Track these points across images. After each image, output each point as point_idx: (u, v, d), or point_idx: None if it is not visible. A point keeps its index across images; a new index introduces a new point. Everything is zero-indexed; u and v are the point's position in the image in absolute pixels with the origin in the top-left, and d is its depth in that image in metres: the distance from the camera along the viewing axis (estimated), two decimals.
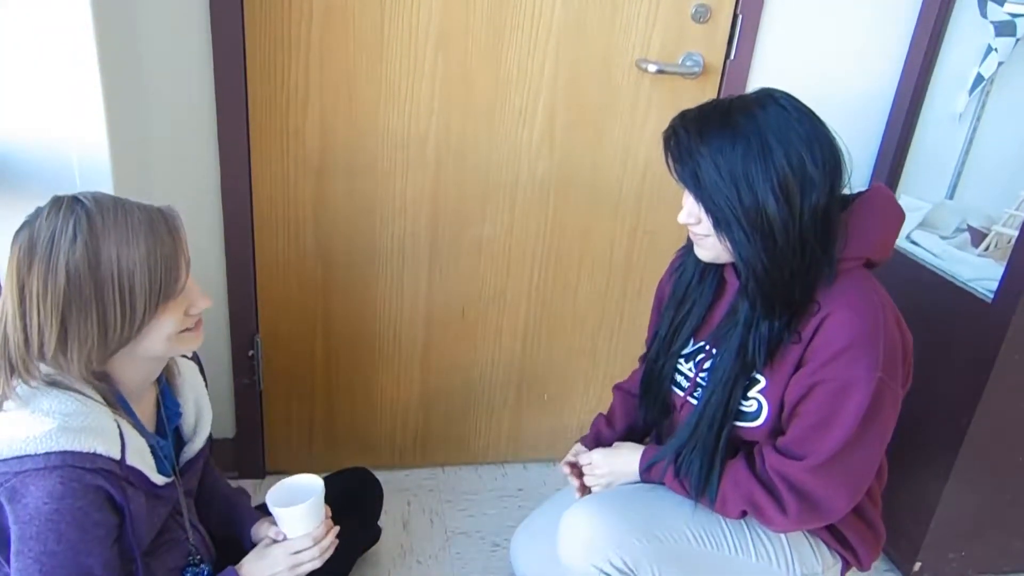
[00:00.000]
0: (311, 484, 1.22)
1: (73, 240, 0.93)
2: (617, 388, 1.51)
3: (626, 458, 1.30)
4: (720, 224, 1.09)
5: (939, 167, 1.92)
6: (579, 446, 1.45)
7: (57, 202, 0.96)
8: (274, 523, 1.21)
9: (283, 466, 1.95)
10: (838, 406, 1.08)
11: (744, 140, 1.05)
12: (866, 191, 1.17)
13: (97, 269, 0.94)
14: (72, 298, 0.93)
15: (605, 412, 1.51)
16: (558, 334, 1.97)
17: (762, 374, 1.16)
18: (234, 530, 1.30)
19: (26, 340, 0.94)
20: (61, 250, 0.92)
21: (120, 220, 0.95)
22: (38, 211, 0.96)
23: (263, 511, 1.33)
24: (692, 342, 1.29)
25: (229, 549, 1.26)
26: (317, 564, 1.18)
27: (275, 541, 1.20)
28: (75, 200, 0.96)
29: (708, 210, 1.10)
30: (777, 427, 1.16)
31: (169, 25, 1.49)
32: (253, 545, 1.24)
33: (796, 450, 1.12)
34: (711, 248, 1.15)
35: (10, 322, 0.95)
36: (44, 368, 0.98)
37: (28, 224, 0.95)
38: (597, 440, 1.45)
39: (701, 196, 1.09)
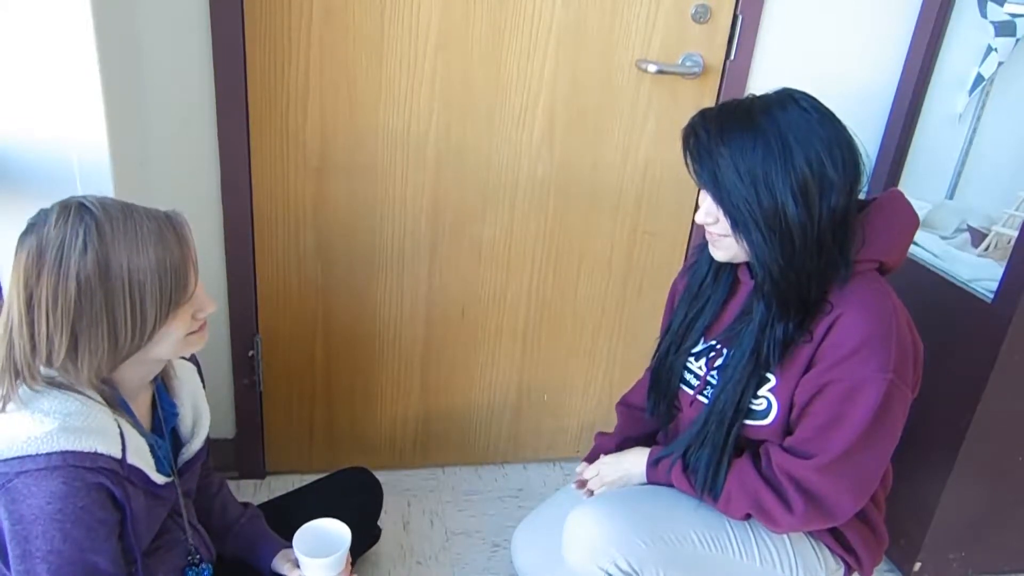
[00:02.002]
0: (338, 532, 1.24)
1: (84, 250, 0.92)
2: (619, 404, 1.51)
3: (634, 459, 1.31)
4: (738, 225, 1.09)
5: (939, 167, 1.92)
6: (583, 464, 1.43)
7: (65, 209, 0.95)
8: (294, 557, 1.23)
9: (283, 466, 1.95)
10: (848, 406, 1.08)
11: (764, 141, 1.05)
12: (882, 195, 1.17)
13: (107, 279, 0.93)
14: (83, 308, 0.93)
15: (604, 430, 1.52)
16: (558, 334, 1.97)
17: (773, 373, 1.15)
18: (251, 560, 1.31)
19: (33, 348, 0.94)
20: (71, 260, 0.92)
21: (130, 229, 0.95)
22: (44, 216, 0.95)
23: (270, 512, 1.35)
24: (703, 340, 1.29)
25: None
26: None
27: None
28: (83, 207, 0.95)
29: (726, 210, 1.09)
30: (786, 426, 1.16)
31: (169, 24, 1.49)
32: (272, 573, 1.27)
33: (804, 449, 1.12)
34: (727, 248, 1.15)
35: (16, 329, 0.94)
36: (44, 370, 0.98)
37: (35, 230, 0.94)
38: (597, 453, 1.45)
39: (720, 196, 1.09)
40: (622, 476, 1.32)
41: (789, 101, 1.08)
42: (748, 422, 1.18)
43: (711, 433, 1.18)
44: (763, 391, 1.17)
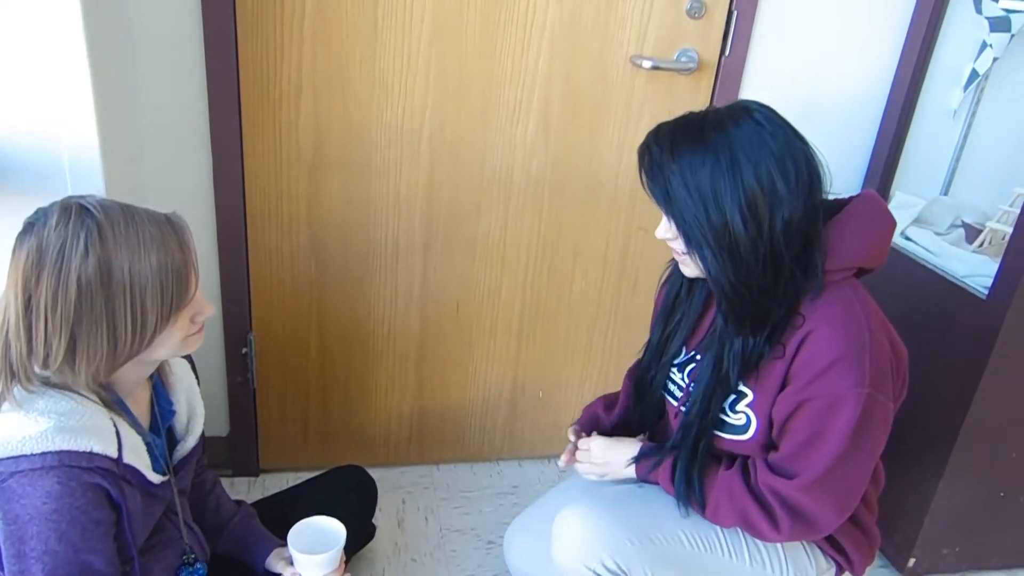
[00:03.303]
0: (332, 529, 1.24)
1: (85, 254, 0.91)
2: (627, 375, 1.50)
3: (623, 453, 1.30)
4: (691, 241, 1.09)
5: (934, 163, 1.92)
6: (576, 428, 1.43)
7: (65, 210, 0.93)
8: (288, 555, 1.23)
9: (277, 464, 1.94)
10: (827, 423, 1.07)
11: (714, 157, 1.04)
12: (853, 199, 1.15)
13: (108, 284, 0.92)
14: (83, 313, 0.92)
15: (606, 395, 1.50)
16: (553, 331, 1.96)
17: (748, 387, 1.15)
18: (245, 559, 1.30)
19: (30, 350, 0.93)
20: (72, 264, 0.91)
21: (131, 233, 0.94)
22: (43, 216, 0.94)
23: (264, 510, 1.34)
24: (684, 351, 1.28)
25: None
26: None
27: None
28: (83, 209, 0.94)
29: (679, 227, 1.09)
30: (767, 441, 1.16)
31: (160, 19, 1.48)
32: (265, 572, 1.26)
33: (788, 468, 1.11)
34: (691, 265, 1.15)
35: (12, 330, 0.93)
36: (40, 370, 0.96)
37: (35, 231, 0.93)
38: (594, 423, 1.43)
39: (671, 213, 1.09)
40: (607, 462, 1.30)
41: (743, 114, 1.06)
42: (728, 436, 1.18)
43: (685, 445, 1.18)
44: (741, 407, 1.16)
